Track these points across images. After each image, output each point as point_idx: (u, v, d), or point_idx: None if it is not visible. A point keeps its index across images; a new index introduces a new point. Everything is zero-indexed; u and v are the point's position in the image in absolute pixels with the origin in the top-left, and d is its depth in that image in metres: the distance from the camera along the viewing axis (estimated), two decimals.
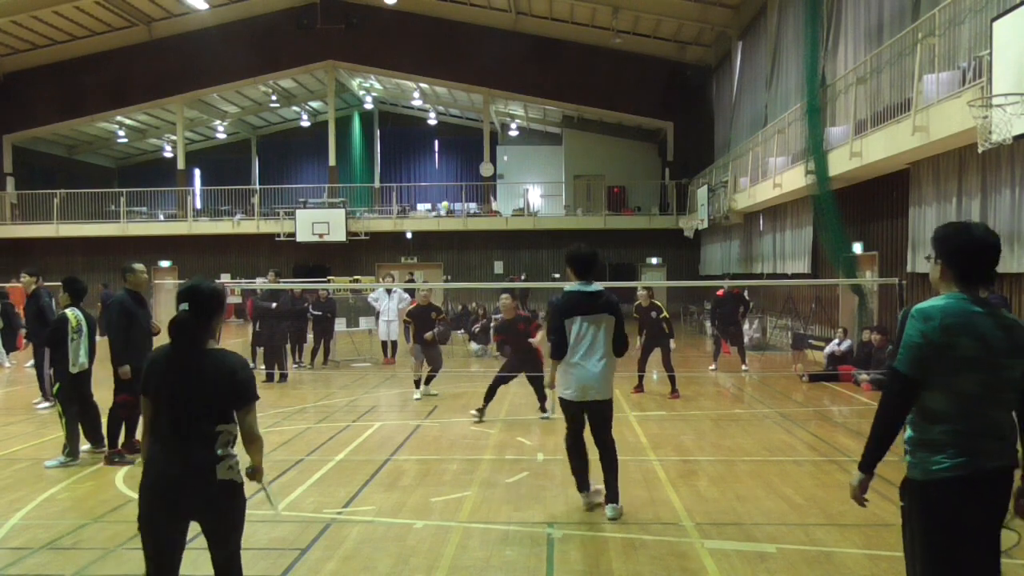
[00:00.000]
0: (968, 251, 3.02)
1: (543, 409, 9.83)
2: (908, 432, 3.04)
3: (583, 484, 6.04)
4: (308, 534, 5.54)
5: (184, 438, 3.43)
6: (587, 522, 5.80)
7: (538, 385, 9.71)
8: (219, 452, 3.44)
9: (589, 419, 5.96)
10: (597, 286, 5.91)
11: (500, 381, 9.93)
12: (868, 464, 3.08)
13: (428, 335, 11.39)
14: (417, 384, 11.60)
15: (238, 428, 3.53)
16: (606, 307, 5.85)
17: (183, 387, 3.44)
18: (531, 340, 10.10)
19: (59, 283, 8.40)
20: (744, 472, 7.24)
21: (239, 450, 3.58)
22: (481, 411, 9.74)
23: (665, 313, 11.86)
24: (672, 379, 11.49)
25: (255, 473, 3.60)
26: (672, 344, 11.75)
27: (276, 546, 5.32)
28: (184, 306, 3.48)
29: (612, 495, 5.89)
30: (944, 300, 3.00)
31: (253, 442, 3.55)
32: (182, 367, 3.47)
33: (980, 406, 2.92)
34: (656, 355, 11.81)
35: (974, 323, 2.93)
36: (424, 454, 8.03)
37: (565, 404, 5.99)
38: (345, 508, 6.16)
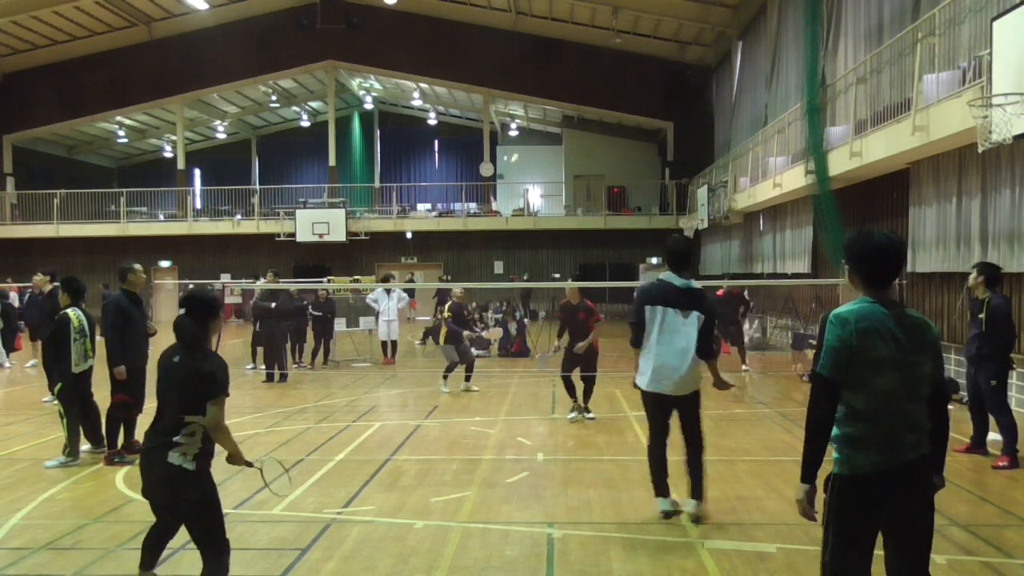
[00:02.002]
0: (869, 257, 3.26)
1: (587, 409, 9.85)
2: (835, 430, 3.26)
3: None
4: (308, 534, 5.54)
5: (159, 423, 3.95)
6: (587, 522, 5.80)
7: (590, 384, 9.86)
8: (176, 439, 3.87)
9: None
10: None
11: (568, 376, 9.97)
12: (810, 474, 3.27)
13: (466, 332, 12.00)
14: (446, 377, 12.14)
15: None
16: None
17: (169, 379, 3.96)
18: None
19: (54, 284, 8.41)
20: (744, 472, 7.24)
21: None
22: (576, 407, 9.80)
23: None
24: None
25: (232, 459, 4.06)
26: None
27: (276, 546, 5.32)
28: (182, 311, 4.04)
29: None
30: (857, 305, 3.23)
31: (216, 431, 3.93)
32: (172, 361, 3.98)
33: (898, 402, 3.17)
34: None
35: (886, 325, 3.17)
36: (424, 454, 8.02)
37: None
38: (345, 508, 6.16)
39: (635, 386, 5.92)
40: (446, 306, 12.43)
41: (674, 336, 5.66)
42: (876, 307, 3.19)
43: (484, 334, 18.17)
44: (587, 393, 9.89)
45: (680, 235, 6.25)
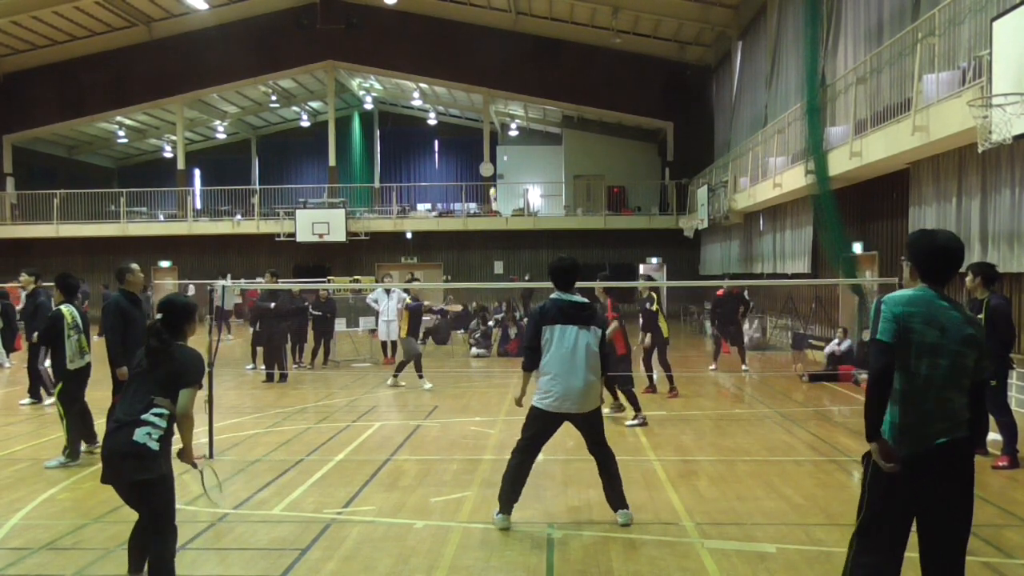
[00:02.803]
0: (932, 256, 3.43)
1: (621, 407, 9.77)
2: None
3: None
4: (308, 534, 5.54)
5: (125, 406, 4.18)
6: (587, 522, 5.80)
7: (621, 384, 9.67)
8: (144, 418, 4.07)
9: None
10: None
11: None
12: (874, 431, 3.34)
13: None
14: (421, 376, 12.55)
15: (173, 407, 4.16)
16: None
17: (147, 372, 4.22)
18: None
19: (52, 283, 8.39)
20: (744, 472, 7.24)
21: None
22: (619, 407, 9.78)
23: (654, 306, 11.48)
24: (670, 378, 11.49)
25: (182, 453, 4.27)
26: (647, 340, 11.54)
27: (276, 546, 5.32)
28: (159, 315, 4.33)
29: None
30: (912, 292, 3.42)
31: (184, 419, 4.18)
32: (149, 357, 4.24)
33: (937, 388, 3.30)
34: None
35: (936, 314, 3.33)
36: (424, 454, 8.02)
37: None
38: (345, 508, 6.16)
39: (518, 403, 5.80)
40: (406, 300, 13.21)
41: (576, 353, 5.60)
42: (932, 296, 3.37)
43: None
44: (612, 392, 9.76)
45: (566, 255, 6.17)
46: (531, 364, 5.73)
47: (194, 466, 4.38)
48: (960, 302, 3.50)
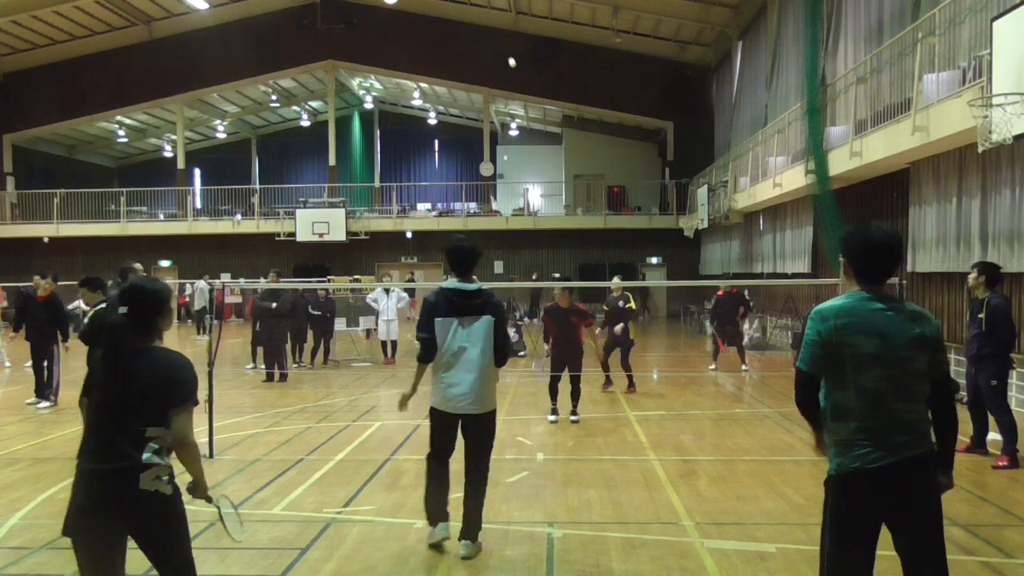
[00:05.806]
0: (864, 251, 3.18)
1: (574, 412, 9.64)
2: (826, 432, 3.28)
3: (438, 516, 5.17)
4: (308, 534, 5.54)
5: (110, 442, 3.19)
6: (587, 522, 5.80)
7: (576, 386, 9.66)
8: (144, 459, 3.17)
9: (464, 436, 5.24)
10: (477, 284, 5.19)
11: (555, 380, 9.73)
12: (814, 428, 3.44)
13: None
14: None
15: (168, 433, 3.25)
16: (485, 308, 5.08)
17: (114, 388, 3.24)
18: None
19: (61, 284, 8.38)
20: (744, 472, 7.24)
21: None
22: (554, 411, 9.69)
23: (632, 304, 11.91)
24: (629, 378, 11.67)
25: (195, 489, 3.37)
26: (631, 334, 11.72)
27: (276, 546, 5.32)
28: (123, 308, 3.32)
29: (471, 531, 5.11)
30: (843, 300, 3.17)
31: (183, 447, 3.27)
32: (115, 368, 3.26)
33: (886, 401, 3.07)
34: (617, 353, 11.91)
35: (872, 321, 3.08)
36: (424, 454, 7.99)
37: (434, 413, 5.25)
38: (345, 508, 6.16)
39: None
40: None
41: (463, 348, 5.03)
42: (864, 302, 3.12)
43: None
44: (574, 395, 9.67)
45: (463, 237, 5.44)
46: (426, 355, 5.16)
47: (209, 500, 3.47)
48: (902, 302, 3.22)
